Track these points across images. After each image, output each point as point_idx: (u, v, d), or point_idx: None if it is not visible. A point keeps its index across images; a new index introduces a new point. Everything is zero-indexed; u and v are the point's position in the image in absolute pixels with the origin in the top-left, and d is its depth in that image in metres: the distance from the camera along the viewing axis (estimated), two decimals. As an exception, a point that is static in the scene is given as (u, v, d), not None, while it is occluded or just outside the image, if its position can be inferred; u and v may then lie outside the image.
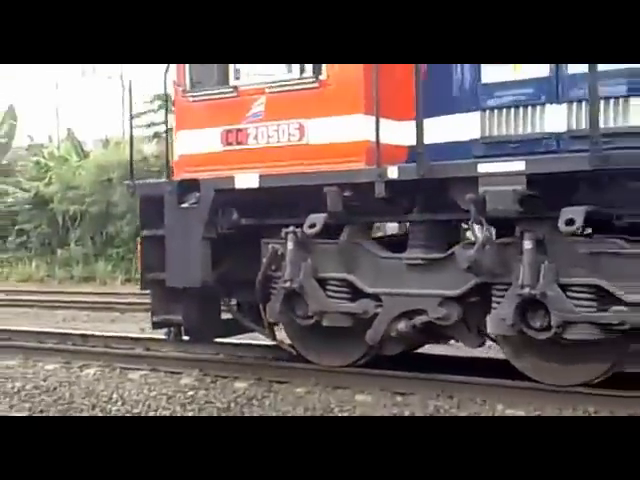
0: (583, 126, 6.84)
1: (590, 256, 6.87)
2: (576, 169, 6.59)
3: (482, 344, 7.99)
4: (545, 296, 6.90)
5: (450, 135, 7.59)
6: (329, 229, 8.04)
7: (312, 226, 7.87)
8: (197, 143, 8.57)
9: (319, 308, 8.08)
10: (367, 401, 7.71)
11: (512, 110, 7.23)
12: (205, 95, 8.49)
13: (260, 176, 8.07)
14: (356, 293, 8.06)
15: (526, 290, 6.91)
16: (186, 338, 9.31)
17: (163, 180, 8.89)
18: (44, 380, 9.10)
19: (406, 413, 7.27)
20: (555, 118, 7.01)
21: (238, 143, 8.28)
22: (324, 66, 7.76)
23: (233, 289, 9.02)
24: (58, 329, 10.95)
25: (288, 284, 8.09)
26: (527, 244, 6.94)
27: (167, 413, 7.64)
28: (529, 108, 7.15)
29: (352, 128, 7.63)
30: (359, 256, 8.03)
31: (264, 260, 8.38)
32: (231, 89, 8.28)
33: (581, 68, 6.70)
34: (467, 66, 7.50)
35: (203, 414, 7.51)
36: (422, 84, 7.44)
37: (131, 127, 9.18)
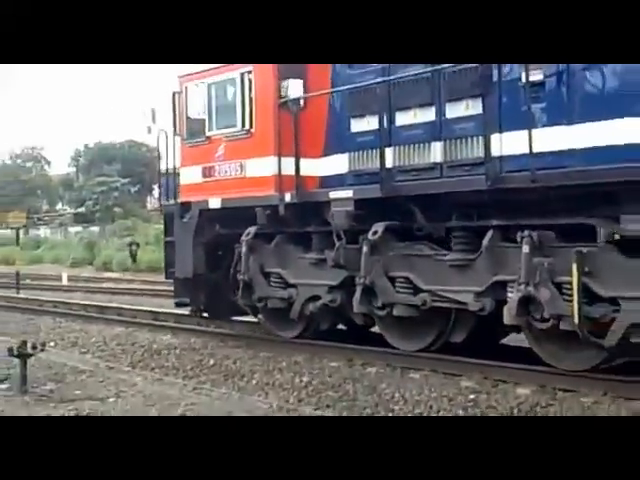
0: (397, 164, 9.54)
1: (404, 256, 9.59)
2: (376, 196, 9.36)
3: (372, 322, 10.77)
4: (375, 284, 9.69)
5: (338, 169, 10.51)
6: (273, 236, 11.26)
7: (248, 234, 11.13)
8: (190, 176, 12.13)
9: (262, 294, 11.31)
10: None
11: (364, 152, 10.05)
12: (194, 142, 11.99)
13: (222, 199, 11.44)
14: (286, 283, 11.18)
15: (362, 280, 9.73)
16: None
17: (173, 202, 12.51)
18: (329, 376, 9.43)
19: None
20: (387, 157, 9.73)
21: (211, 176, 11.71)
22: (254, 121, 10.95)
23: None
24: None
25: (242, 276, 11.39)
26: (364, 248, 9.75)
27: (448, 415, 7.59)
28: (373, 150, 9.92)
29: (267, 165, 10.79)
30: (286, 256, 11.15)
31: (235, 259, 11.72)
32: (205, 138, 11.71)
33: (399, 122, 9.46)
34: (344, 118, 10.37)
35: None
36: (326, 129, 10.53)
37: (162, 162, 12.84)
